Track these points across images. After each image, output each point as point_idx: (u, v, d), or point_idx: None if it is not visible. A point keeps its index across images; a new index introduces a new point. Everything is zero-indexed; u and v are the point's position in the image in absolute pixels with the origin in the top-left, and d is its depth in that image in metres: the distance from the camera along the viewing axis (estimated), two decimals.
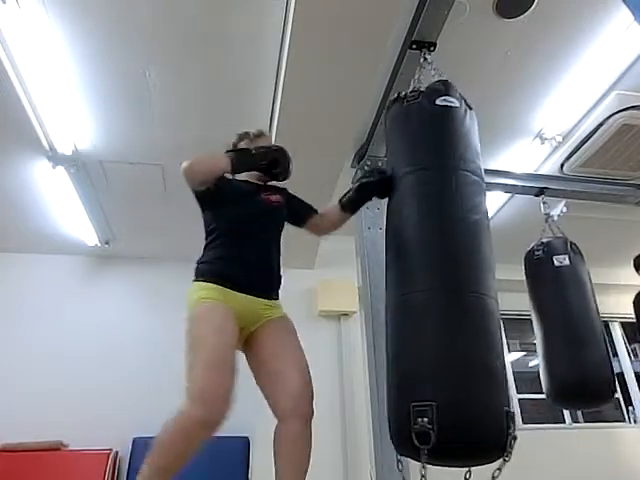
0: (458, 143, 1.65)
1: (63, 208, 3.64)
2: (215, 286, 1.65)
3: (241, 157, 1.80)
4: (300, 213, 2.00)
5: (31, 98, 2.58)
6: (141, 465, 1.44)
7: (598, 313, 2.83)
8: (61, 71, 2.48)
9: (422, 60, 2.11)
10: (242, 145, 1.96)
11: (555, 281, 2.86)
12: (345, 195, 1.96)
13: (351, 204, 1.95)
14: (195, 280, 1.72)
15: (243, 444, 3.64)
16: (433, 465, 1.31)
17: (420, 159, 1.66)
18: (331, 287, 3.88)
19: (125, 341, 4.08)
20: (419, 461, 1.29)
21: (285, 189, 2.01)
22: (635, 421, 4.75)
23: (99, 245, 4.11)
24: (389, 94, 2.48)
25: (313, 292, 3.89)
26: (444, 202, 1.56)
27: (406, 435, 1.29)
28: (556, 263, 2.87)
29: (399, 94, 1.82)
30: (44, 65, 2.41)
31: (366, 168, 2.99)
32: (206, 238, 1.82)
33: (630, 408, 4.79)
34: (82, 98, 2.68)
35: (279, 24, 2.24)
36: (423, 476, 1.35)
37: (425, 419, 1.26)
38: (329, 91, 2.42)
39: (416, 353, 1.39)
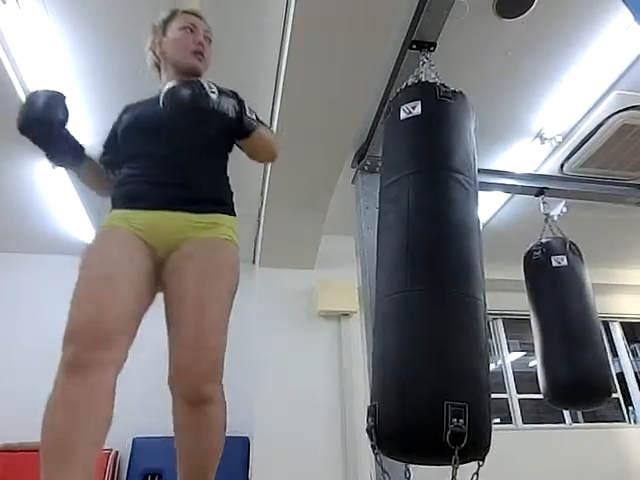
0: (427, 150, 1.71)
1: (63, 208, 3.64)
2: (118, 211, 1.40)
3: None
4: None
5: None
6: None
7: (596, 314, 2.82)
8: (61, 71, 2.48)
9: (422, 60, 2.11)
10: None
11: (553, 282, 2.86)
12: None
13: None
14: None
15: (243, 444, 3.65)
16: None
17: (400, 167, 1.72)
18: (331, 287, 3.87)
19: None
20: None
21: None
22: (635, 421, 4.75)
23: None
24: (389, 94, 2.48)
25: (313, 292, 3.89)
26: (417, 205, 1.62)
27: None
28: (554, 264, 2.87)
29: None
30: (44, 65, 2.41)
31: (365, 168, 2.99)
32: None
33: (630, 408, 4.79)
34: (82, 98, 2.68)
35: (279, 24, 2.24)
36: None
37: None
38: (329, 91, 2.42)
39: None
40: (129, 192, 1.42)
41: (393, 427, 1.35)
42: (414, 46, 2.13)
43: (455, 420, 1.25)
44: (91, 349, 1.15)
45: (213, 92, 1.29)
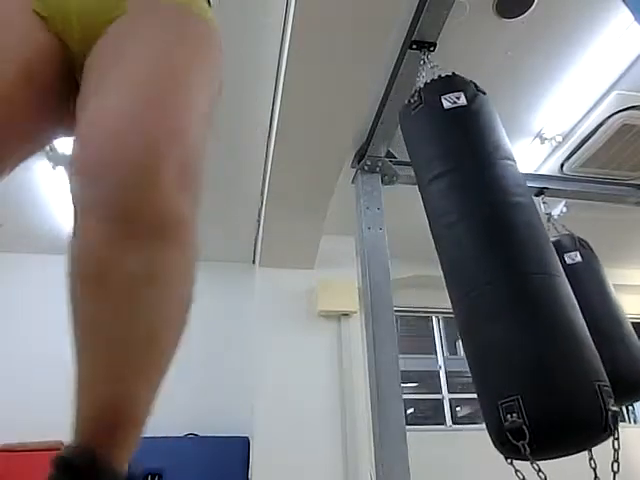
0: (478, 139, 1.70)
1: (63, 208, 3.64)
2: None
3: None
4: None
5: None
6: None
7: (621, 307, 2.72)
8: None
9: (422, 60, 2.11)
10: None
11: (571, 280, 2.82)
12: None
13: None
14: None
15: (243, 444, 3.64)
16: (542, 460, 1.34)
17: (445, 161, 1.69)
18: (331, 287, 3.87)
19: None
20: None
21: None
22: (635, 421, 4.75)
23: None
24: (389, 94, 2.48)
25: (313, 292, 3.88)
26: (484, 191, 1.60)
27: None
28: (568, 261, 2.80)
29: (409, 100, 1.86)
30: None
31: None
32: None
33: (630, 408, 4.79)
34: None
35: (279, 24, 2.24)
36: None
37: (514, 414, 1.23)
38: (329, 91, 2.42)
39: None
40: None
41: (551, 419, 1.26)
42: (414, 46, 2.14)
43: (610, 400, 1.23)
44: None
45: None
